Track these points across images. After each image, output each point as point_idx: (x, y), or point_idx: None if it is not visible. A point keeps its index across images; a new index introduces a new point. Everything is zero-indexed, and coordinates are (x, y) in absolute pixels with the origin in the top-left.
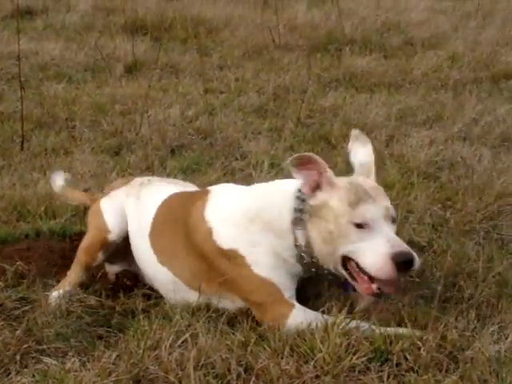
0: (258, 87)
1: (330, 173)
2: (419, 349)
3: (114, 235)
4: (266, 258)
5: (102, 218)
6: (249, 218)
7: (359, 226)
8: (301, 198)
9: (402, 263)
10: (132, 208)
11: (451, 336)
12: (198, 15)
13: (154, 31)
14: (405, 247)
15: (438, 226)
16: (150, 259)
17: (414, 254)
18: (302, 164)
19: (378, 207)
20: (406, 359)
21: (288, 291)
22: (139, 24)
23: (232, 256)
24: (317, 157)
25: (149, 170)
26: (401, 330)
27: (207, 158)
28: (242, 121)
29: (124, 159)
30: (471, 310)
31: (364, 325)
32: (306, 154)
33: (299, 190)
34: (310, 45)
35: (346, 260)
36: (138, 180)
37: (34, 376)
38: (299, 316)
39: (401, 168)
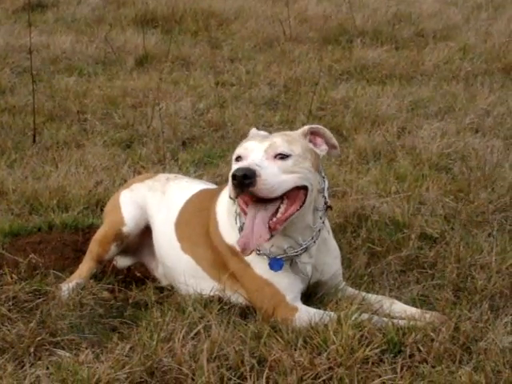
0: (269, 79)
1: None
2: (432, 340)
3: (129, 228)
4: (261, 256)
5: (119, 211)
6: (228, 213)
7: (236, 159)
8: None
9: (233, 177)
10: (157, 202)
11: (464, 327)
12: (208, 8)
13: (164, 24)
14: (246, 164)
15: (450, 218)
16: (174, 246)
17: (254, 167)
18: None
19: (256, 142)
20: (420, 351)
21: (291, 293)
22: (150, 17)
23: (234, 252)
24: (252, 130)
25: (160, 162)
26: (413, 322)
27: (219, 150)
28: (254, 113)
29: (135, 152)
30: (484, 302)
31: (376, 317)
32: None
33: None
34: (321, 37)
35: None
36: (163, 175)
37: (47, 368)
38: (303, 319)
39: (413, 160)
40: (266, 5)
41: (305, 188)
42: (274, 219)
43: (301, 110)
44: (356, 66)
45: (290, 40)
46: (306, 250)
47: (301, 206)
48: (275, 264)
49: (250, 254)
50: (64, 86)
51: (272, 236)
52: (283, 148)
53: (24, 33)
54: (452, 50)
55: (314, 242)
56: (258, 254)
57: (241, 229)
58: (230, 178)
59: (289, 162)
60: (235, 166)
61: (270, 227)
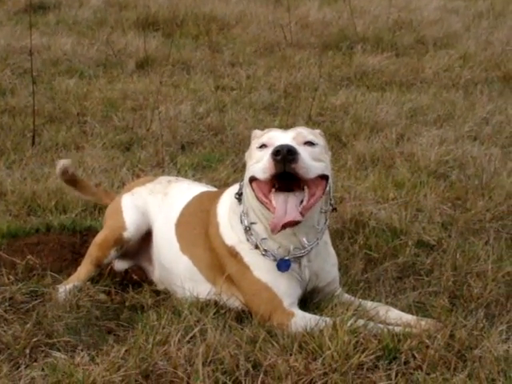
0: (269, 84)
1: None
2: (427, 347)
3: (130, 233)
4: (262, 259)
5: (120, 215)
6: (230, 213)
7: (260, 147)
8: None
9: (275, 153)
10: (158, 204)
11: (460, 335)
12: (210, 12)
13: (165, 27)
14: (286, 143)
15: (447, 225)
16: (173, 247)
17: (294, 146)
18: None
19: (281, 131)
20: (415, 357)
21: (288, 298)
22: (151, 20)
23: (233, 254)
24: (255, 130)
25: (159, 165)
26: (409, 329)
27: (218, 154)
28: (253, 118)
29: (135, 155)
30: (480, 309)
31: (372, 323)
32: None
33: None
34: (321, 43)
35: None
36: (164, 178)
37: (43, 370)
38: (299, 324)
39: (411, 167)
40: (268, 10)
41: (326, 178)
42: (301, 206)
43: (300, 116)
44: (356, 72)
45: (291, 45)
46: (310, 250)
47: (323, 194)
48: (283, 265)
49: (279, 232)
50: (64, 87)
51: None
52: (312, 136)
53: (25, 34)
54: (452, 58)
55: (317, 243)
56: (264, 255)
57: (247, 229)
58: (269, 156)
59: (316, 150)
60: (264, 150)
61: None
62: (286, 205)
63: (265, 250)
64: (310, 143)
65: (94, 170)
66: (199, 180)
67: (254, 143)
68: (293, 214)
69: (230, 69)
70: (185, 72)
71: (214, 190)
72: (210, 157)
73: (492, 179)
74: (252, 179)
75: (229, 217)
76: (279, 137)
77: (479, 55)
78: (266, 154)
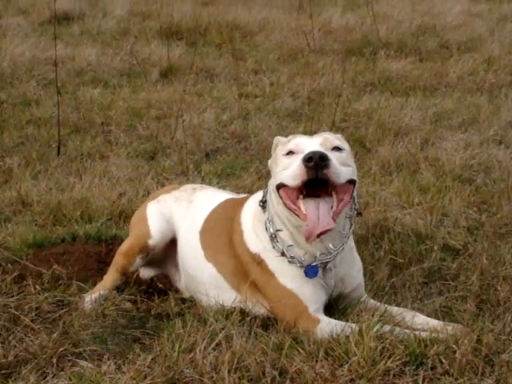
0: (292, 91)
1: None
2: (454, 352)
3: (155, 241)
4: (287, 266)
5: (145, 223)
6: (254, 220)
7: (287, 154)
8: (266, 186)
9: (307, 159)
10: (183, 211)
11: (487, 339)
12: (233, 20)
13: (189, 36)
14: (318, 150)
15: (473, 230)
16: (198, 254)
17: (326, 153)
18: (274, 150)
19: (307, 138)
20: (442, 363)
21: (314, 304)
22: (174, 29)
23: (258, 261)
24: (279, 137)
25: (184, 174)
26: (435, 334)
27: (242, 162)
28: (277, 125)
29: (159, 163)
30: (507, 314)
31: (398, 328)
32: (274, 141)
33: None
34: (344, 49)
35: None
36: (189, 186)
37: (70, 379)
38: (325, 330)
39: (436, 171)
40: (290, 17)
41: (354, 183)
42: (331, 212)
43: (324, 122)
44: (380, 77)
45: (314, 52)
46: (337, 256)
47: (350, 199)
48: (310, 271)
49: (313, 240)
50: (89, 97)
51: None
52: (338, 142)
53: (50, 45)
54: (476, 62)
55: (343, 248)
56: (290, 262)
57: (273, 236)
58: (300, 163)
59: (343, 155)
60: (292, 157)
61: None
62: (318, 211)
63: (291, 257)
64: (337, 148)
65: (119, 180)
66: (224, 187)
67: (280, 150)
68: (326, 221)
69: (253, 76)
70: (208, 80)
71: (239, 196)
72: (234, 164)
73: None
74: (280, 186)
75: (253, 224)
76: (306, 143)
77: (503, 59)
78: (296, 161)
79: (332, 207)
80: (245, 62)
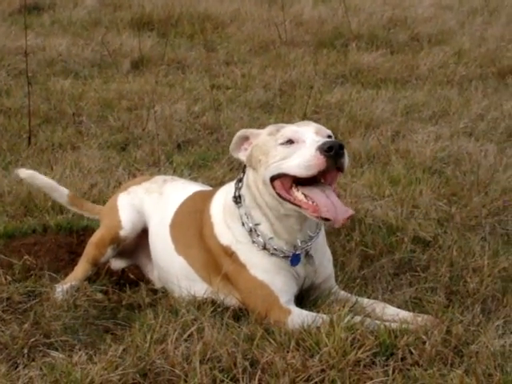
0: (264, 83)
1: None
2: (424, 343)
3: (126, 232)
4: (258, 257)
5: (116, 214)
6: (226, 213)
7: (285, 143)
8: (238, 181)
9: (327, 149)
10: (154, 203)
11: (456, 330)
12: (204, 11)
13: (160, 27)
14: (330, 139)
15: (443, 221)
16: (168, 248)
17: (341, 142)
18: (241, 144)
19: (302, 126)
20: (411, 353)
21: (285, 295)
22: (146, 20)
23: (229, 253)
24: (248, 130)
25: (155, 165)
26: (405, 325)
27: (213, 153)
28: (249, 116)
29: (130, 154)
30: (476, 305)
31: (369, 319)
32: (237, 134)
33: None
34: (316, 41)
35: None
36: (160, 177)
37: (41, 369)
38: (296, 321)
39: (406, 163)
40: (262, 8)
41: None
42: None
43: (296, 114)
44: (351, 69)
45: (286, 44)
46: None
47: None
48: (295, 259)
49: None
50: (60, 88)
51: None
52: (329, 131)
53: (20, 35)
54: (447, 55)
55: (318, 236)
56: (273, 254)
57: (252, 230)
58: (317, 153)
59: None
60: (292, 146)
61: None
62: (330, 198)
63: (274, 249)
64: (330, 137)
65: (90, 170)
66: (195, 179)
67: (268, 140)
68: (344, 208)
69: (225, 68)
70: (180, 71)
71: (209, 189)
72: (206, 155)
73: (487, 175)
74: (275, 177)
75: (224, 217)
76: (304, 132)
77: (474, 51)
78: (300, 150)
79: None
80: (216, 54)
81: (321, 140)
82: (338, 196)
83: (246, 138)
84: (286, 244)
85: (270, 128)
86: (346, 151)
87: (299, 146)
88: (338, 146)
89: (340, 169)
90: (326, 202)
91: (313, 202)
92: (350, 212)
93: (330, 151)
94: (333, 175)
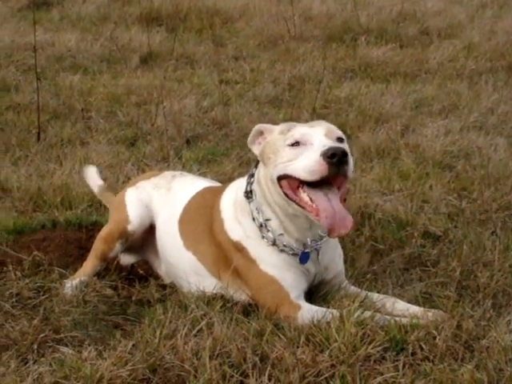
0: (273, 78)
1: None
2: (435, 338)
3: (134, 227)
4: (268, 253)
5: (124, 209)
6: (236, 209)
7: (292, 145)
8: (250, 176)
9: (330, 156)
10: (162, 199)
11: (467, 325)
12: (213, 6)
13: (169, 22)
14: (335, 144)
15: (453, 216)
16: (177, 243)
17: (345, 148)
18: (257, 137)
19: (311, 127)
20: (422, 348)
21: (295, 291)
22: (155, 15)
23: (239, 248)
24: (263, 125)
25: (164, 160)
26: (416, 320)
27: (222, 148)
28: (257, 111)
29: (139, 150)
30: (487, 300)
31: (379, 315)
32: (255, 127)
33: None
34: (325, 35)
35: (290, 188)
36: (169, 173)
37: (51, 365)
38: (306, 316)
39: (416, 158)
40: (271, 3)
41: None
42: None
43: (305, 108)
44: (360, 64)
45: (295, 38)
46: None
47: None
48: (304, 257)
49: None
50: (69, 83)
51: None
52: (340, 132)
53: (29, 31)
54: (456, 49)
55: None
56: (282, 250)
57: (262, 225)
58: (320, 158)
59: (346, 145)
60: (299, 148)
61: None
62: (331, 203)
63: (284, 246)
64: (340, 139)
65: (100, 166)
66: (204, 174)
67: (278, 139)
68: (344, 216)
69: (233, 62)
70: (189, 66)
71: (218, 184)
72: (215, 151)
73: (498, 169)
74: (282, 177)
75: (234, 212)
76: (312, 134)
77: (484, 45)
78: (306, 153)
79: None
80: (225, 48)
81: (327, 144)
82: (344, 200)
83: (261, 133)
84: (296, 241)
85: (281, 126)
86: (350, 158)
87: (307, 148)
88: (341, 154)
89: (344, 175)
90: (327, 207)
91: (316, 206)
92: (349, 219)
93: (332, 158)
94: (340, 180)
